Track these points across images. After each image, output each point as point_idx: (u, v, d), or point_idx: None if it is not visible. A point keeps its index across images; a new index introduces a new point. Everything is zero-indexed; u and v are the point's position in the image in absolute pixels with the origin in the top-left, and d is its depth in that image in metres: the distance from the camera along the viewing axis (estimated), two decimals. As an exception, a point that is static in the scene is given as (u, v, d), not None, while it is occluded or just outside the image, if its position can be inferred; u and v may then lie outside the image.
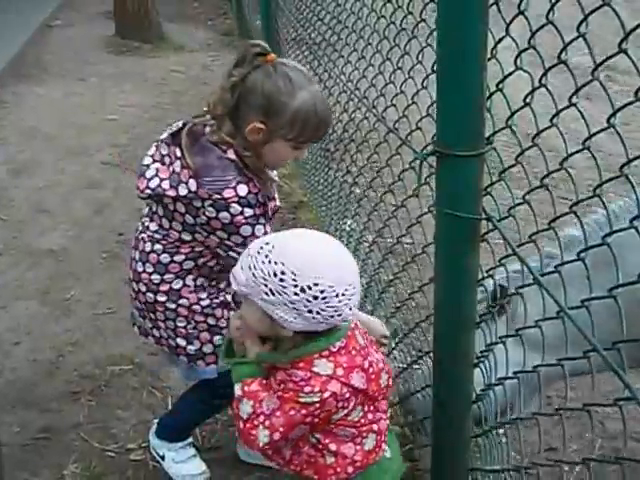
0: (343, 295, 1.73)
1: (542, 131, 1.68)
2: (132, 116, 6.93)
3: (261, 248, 1.76)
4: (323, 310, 1.73)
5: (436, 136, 1.81)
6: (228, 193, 2.21)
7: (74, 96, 7.46)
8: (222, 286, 2.55)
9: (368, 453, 1.96)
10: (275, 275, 1.71)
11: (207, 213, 2.24)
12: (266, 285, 1.72)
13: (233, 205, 2.21)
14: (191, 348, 2.56)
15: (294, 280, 1.70)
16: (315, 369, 1.79)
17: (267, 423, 1.84)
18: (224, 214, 2.22)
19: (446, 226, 1.91)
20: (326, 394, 1.77)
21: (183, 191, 2.25)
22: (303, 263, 1.72)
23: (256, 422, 1.86)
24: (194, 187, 2.22)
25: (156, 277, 2.47)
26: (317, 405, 1.78)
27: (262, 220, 2.29)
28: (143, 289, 2.52)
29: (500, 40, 1.78)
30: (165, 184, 2.29)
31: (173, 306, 2.50)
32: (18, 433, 3.19)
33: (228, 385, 2.57)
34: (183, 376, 2.85)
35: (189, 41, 9.51)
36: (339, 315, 1.75)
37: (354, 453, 1.94)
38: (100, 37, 9.33)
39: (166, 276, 2.47)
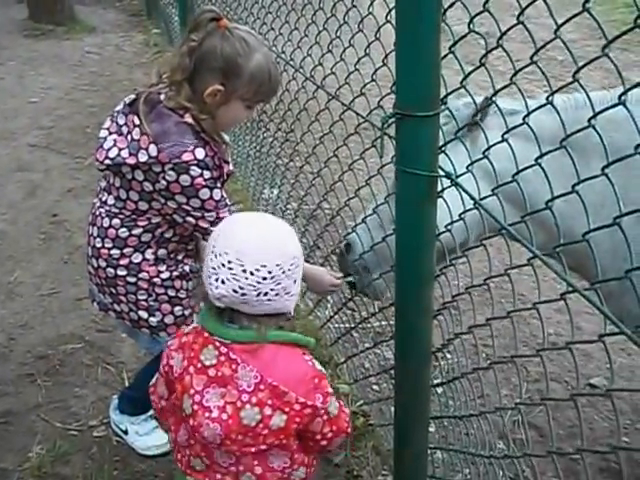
0: (216, 257, 1.69)
1: (501, 89, 1.69)
2: (53, 98, 6.73)
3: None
4: (206, 264, 1.74)
5: (395, 98, 1.81)
6: (187, 156, 2.18)
7: (-6, 81, 7.18)
8: (180, 257, 2.51)
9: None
10: None
11: (167, 177, 2.20)
12: None
13: (193, 167, 2.18)
14: (153, 320, 2.52)
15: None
16: None
17: None
18: (184, 177, 2.19)
19: (406, 184, 1.91)
20: (169, 342, 1.90)
21: (143, 157, 2.21)
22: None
23: None
24: (154, 152, 2.19)
25: (115, 252, 2.42)
26: (165, 353, 1.89)
27: (218, 184, 2.28)
28: (103, 264, 2.46)
29: (452, 4, 1.78)
30: (124, 153, 2.25)
31: (133, 280, 2.45)
32: (-23, 420, 3.09)
33: None
34: (145, 348, 2.81)
35: (100, 22, 9.27)
36: (209, 278, 1.70)
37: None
38: (13, 21, 8.96)
39: (125, 250, 2.42)
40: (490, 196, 1.86)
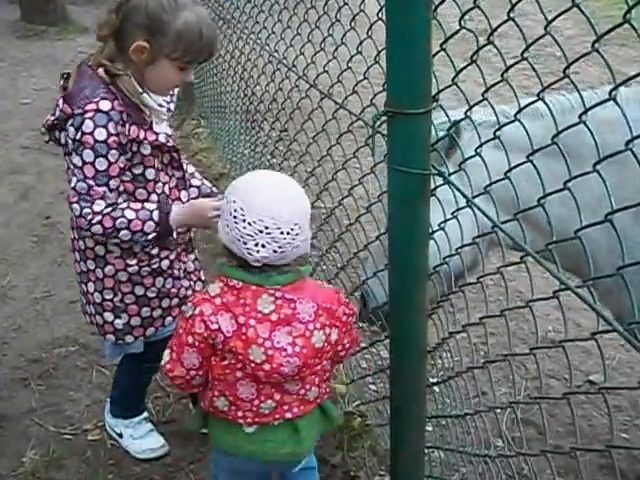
0: (249, 225, 1.81)
1: (492, 86, 1.69)
2: (46, 99, 6.74)
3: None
4: (233, 229, 1.84)
5: (387, 96, 1.81)
6: (89, 107, 2.16)
7: (-14, 82, 7.18)
8: (155, 252, 2.45)
9: (214, 407, 2.01)
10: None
11: (70, 135, 2.18)
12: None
13: (87, 121, 2.15)
14: (119, 322, 2.49)
15: (228, 193, 1.89)
16: (209, 286, 1.94)
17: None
18: (77, 131, 2.16)
19: (398, 183, 1.90)
20: (196, 311, 1.88)
21: (57, 113, 2.24)
22: (237, 184, 1.92)
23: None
24: (61, 105, 2.21)
25: (81, 243, 2.43)
26: (190, 322, 1.88)
27: (112, 154, 2.19)
28: (78, 257, 2.48)
29: (443, 1, 1.78)
30: (51, 116, 2.30)
31: (101, 275, 2.44)
32: (-29, 424, 3.09)
33: (156, 351, 2.51)
34: (109, 355, 2.77)
35: (92, 23, 9.04)
36: (244, 244, 1.83)
37: (206, 395, 2.02)
38: (6, 22, 8.98)
39: (86, 240, 2.41)
40: (482, 193, 1.85)
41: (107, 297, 2.46)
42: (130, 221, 2.24)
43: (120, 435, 2.96)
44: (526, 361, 3.33)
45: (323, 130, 2.87)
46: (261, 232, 1.81)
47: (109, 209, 2.22)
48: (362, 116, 2.39)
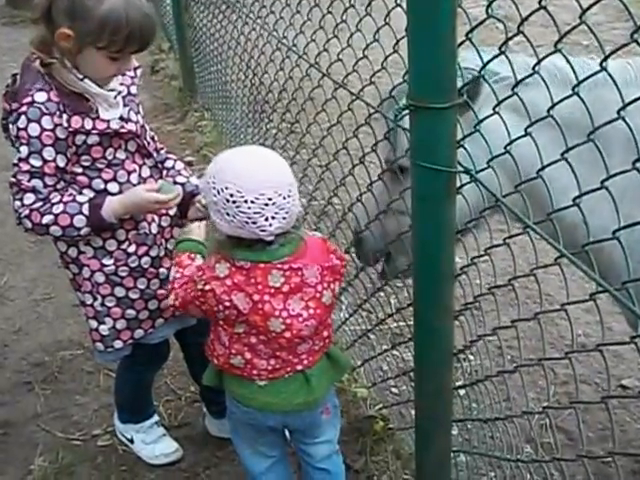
0: (253, 202, 1.92)
1: (522, 79, 1.70)
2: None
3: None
4: (237, 215, 1.93)
5: (409, 89, 1.81)
6: (25, 100, 2.16)
7: (-27, 72, 7.13)
8: (131, 250, 2.42)
9: (229, 364, 2.18)
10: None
11: (12, 132, 2.20)
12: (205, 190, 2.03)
13: (21, 117, 2.16)
14: (104, 328, 2.48)
15: (213, 184, 1.97)
16: (215, 265, 2.05)
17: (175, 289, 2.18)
18: (15, 128, 2.17)
19: (422, 179, 1.91)
20: (207, 287, 2.03)
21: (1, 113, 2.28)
22: (218, 170, 1.99)
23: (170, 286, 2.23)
24: (3, 104, 2.24)
25: (59, 247, 2.43)
26: (200, 293, 2.05)
27: (46, 151, 2.20)
28: (63, 265, 2.49)
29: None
30: (3, 119, 2.32)
31: (80, 279, 2.45)
32: (-26, 431, 3.11)
33: (146, 353, 2.57)
34: (100, 360, 2.82)
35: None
36: (254, 223, 1.94)
37: (220, 353, 2.18)
38: (-10, 9, 8.96)
39: (59, 243, 2.41)
40: (514, 193, 1.85)
41: (88, 302, 2.46)
42: (57, 215, 2.23)
43: (131, 440, 2.98)
44: (555, 366, 3.33)
45: (338, 122, 2.86)
46: (267, 205, 1.93)
47: (39, 204, 2.22)
48: (380, 108, 2.38)
